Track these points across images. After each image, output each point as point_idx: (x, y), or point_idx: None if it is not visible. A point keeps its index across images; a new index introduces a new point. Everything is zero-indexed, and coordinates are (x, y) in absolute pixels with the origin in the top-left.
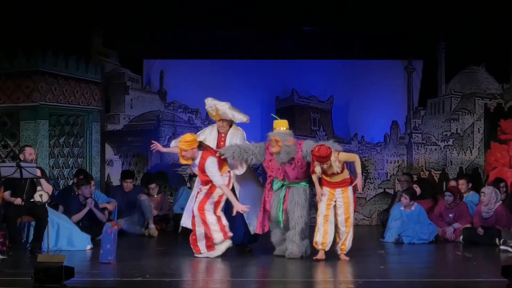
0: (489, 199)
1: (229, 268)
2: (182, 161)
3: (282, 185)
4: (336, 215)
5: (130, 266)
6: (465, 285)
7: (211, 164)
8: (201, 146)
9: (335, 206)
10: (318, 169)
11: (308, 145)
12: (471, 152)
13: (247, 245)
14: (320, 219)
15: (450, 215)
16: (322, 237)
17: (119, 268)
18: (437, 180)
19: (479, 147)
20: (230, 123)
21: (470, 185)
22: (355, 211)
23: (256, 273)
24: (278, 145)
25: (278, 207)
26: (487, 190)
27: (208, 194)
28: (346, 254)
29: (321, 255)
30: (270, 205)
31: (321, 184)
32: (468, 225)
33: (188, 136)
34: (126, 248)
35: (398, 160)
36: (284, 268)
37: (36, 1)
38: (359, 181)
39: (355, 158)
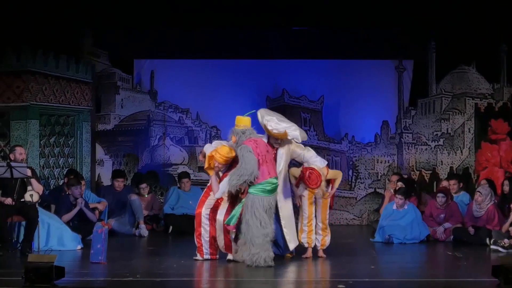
0: (483, 200)
1: (221, 268)
2: (209, 171)
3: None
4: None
5: (121, 266)
6: (455, 285)
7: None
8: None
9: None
10: (306, 192)
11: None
12: (461, 152)
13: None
14: (304, 220)
15: (441, 215)
16: (307, 237)
17: (109, 268)
18: (427, 180)
19: (469, 147)
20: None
21: (461, 185)
22: (331, 208)
23: (246, 273)
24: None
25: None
26: (484, 191)
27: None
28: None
29: (309, 252)
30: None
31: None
32: (459, 225)
33: (227, 151)
34: (117, 248)
35: (388, 160)
36: (273, 268)
37: (26, 0)
38: (331, 196)
39: (339, 175)
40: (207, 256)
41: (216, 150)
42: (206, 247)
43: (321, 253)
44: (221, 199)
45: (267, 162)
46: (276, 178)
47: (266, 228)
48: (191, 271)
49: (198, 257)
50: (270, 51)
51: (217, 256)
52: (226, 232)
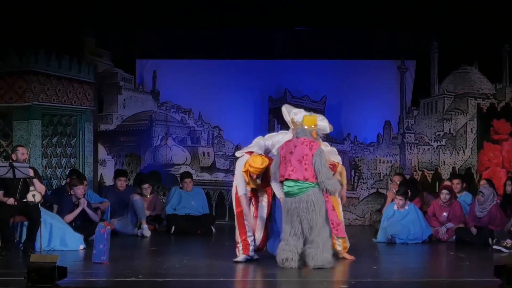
0: (486, 200)
1: (222, 268)
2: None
3: None
4: None
5: (123, 266)
6: (458, 285)
7: None
8: None
9: None
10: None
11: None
12: (464, 152)
13: None
14: None
15: (444, 214)
16: None
17: (112, 268)
18: (429, 180)
19: (472, 147)
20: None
21: (464, 185)
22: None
23: (247, 274)
24: None
25: None
26: (486, 191)
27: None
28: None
29: None
30: None
31: None
32: (461, 225)
33: (259, 161)
34: (119, 248)
35: (391, 160)
36: (277, 269)
37: (28, 1)
38: (344, 192)
39: (343, 169)
40: (252, 254)
41: (249, 164)
42: (252, 246)
43: (348, 256)
44: (252, 195)
45: (285, 163)
46: (296, 180)
47: (282, 231)
48: (193, 271)
49: (240, 257)
50: (272, 51)
51: None
52: (266, 229)
